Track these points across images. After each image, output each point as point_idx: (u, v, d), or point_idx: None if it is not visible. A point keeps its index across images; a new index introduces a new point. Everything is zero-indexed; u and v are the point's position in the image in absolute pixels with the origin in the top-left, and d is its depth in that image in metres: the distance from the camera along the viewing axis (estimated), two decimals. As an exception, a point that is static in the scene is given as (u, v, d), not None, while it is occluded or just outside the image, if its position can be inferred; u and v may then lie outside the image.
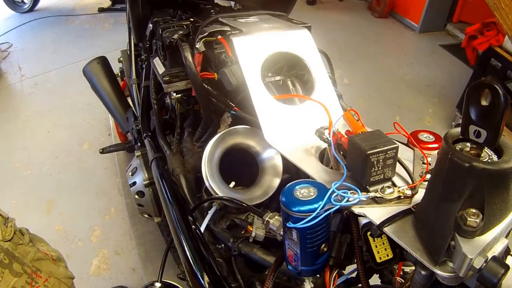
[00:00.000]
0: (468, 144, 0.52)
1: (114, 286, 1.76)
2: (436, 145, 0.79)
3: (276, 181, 0.96)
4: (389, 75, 3.53)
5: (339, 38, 4.14)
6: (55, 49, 3.97)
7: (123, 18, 4.42)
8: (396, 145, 0.65)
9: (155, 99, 1.42)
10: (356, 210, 0.64)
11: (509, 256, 0.56)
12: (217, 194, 0.92)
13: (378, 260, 0.64)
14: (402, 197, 0.66)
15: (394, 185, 0.68)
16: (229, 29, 1.06)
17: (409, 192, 0.66)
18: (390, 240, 0.61)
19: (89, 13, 4.79)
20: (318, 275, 0.75)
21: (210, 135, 1.09)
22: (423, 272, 0.57)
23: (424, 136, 0.81)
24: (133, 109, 1.86)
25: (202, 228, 0.96)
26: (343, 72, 3.40)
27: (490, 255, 0.50)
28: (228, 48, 1.00)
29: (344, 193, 0.63)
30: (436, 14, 4.22)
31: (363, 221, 0.67)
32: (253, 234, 0.93)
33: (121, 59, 2.27)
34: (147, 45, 1.45)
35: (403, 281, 0.77)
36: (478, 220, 0.49)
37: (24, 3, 4.89)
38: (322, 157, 0.88)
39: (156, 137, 1.37)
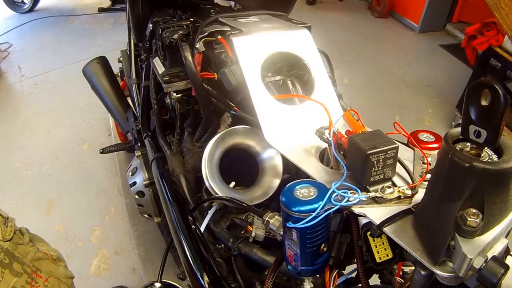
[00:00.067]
0: (468, 144, 0.52)
1: (114, 286, 1.76)
2: (436, 145, 0.79)
3: (276, 181, 0.96)
4: (389, 75, 3.53)
5: (339, 38, 4.14)
6: (55, 49, 3.97)
7: (123, 18, 4.43)
8: (396, 145, 0.66)
9: (155, 99, 1.42)
10: (356, 210, 0.64)
11: (509, 256, 0.56)
12: (217, 194, 0.92)
13: (378, 260, 0.64)
14: (402, 197, 0.66)
15: (394, 185, 0.68)
16: (229, 29, 1.06)
17: (409, 192, 0.66)
18: (390, 240, 0.61)
19: (89, 13, 4.79)
20: (318, 275, 0.75)
21: (210, 135, 1.09)
22: (422, 272, 0.57)
23: (424, 136, 0.81)
24: (133, 109, 1.86)
25: (202, 228, 0.96)
26: (343, 72, 3.40)
27: (490, 255, 0.50)
28: (228, 48, 1.00)
29: (344, 193, 0.63)
30: (436, 14, 4.22)
31: (363, 221, 0.67)
32: (253, 234, 0.93)
33: (121, 59, 2.27)
34: (147, 45, 1.45)
35: (402, 281, 0.77)
36: (478, 220, 0.49)
37: (24, 3, 4.89)
38: (322, 157, 0.88)
39: (156, 137, 1.37)
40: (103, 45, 3.91)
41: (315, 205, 0.60)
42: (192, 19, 1.28)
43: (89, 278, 1.83)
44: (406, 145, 0.82)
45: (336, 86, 1.14)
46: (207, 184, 0.93)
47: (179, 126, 1.29)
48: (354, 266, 0.72)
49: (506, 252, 0.56)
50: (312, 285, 0.76)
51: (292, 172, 0.99)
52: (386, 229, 0.59)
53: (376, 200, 0.65)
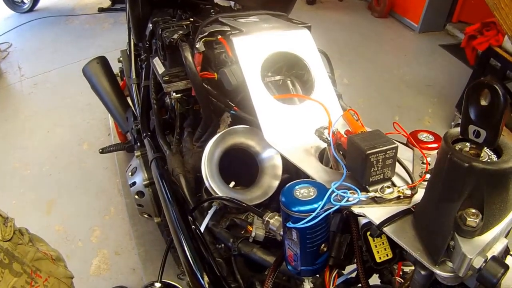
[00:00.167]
0: (468, 144, 0.52)
1: (114, 286, 1.76)
2: (435, 145, 0.79)
3: (276, 181, 0.96)
4: (388, 75, 3.53)
5: (339, 38, 4.14)
6: (54, 49, 3.97)
7: (122, 18, 4.43)
8: (396, 145, 0.66)
9: (154, 99, 1.42)
10: (356, 210, 0.64)
11: (508, 256, 0.56)
12: (217, 194, 0.92)
13: (378, 260, 0.64)
14: (401, 197, 0.66)
15: (393, 185, 0.68)
16: (229, 29, 1.06)
17: (408, 192, 0.66)
18: (390, 240, 0.61)
19: (89, 13, 4.79)
20: (317, 275, 0.75)
21: (210, 135, 1.09)
22: (422, 272, 0.57)
23: (423, 136, 0.81)
24: (133, 109, 1.86)
25: (202, 228, 0.96)
26: (343, 72, 3.40)
27: (489, 255, 0.50)
28: (228, 48, 1.00)
29: (344, 193, 0.63)
30: (436, 14, 4.22)
31: (362, 221, 0.67)
32: (253, 234, 0.93)
33: (121, 59, 2.27)
34: (147, 45, 1.45)
35: (402, 281, 0.77)
36: (477, 220, 0.49)
37: (24, 3, 4.88)
38: (322, 157, 0.88)
39: (156, 137, 1.37)
40: (103, 45, 3.91)
41: (315, 205, 0.60)
42: (192, 19, 1.28)
43: (89, 278, 1.83)
44: (406, 145, 0.82)
45: (336, 86, 1.14)
46: (206, 184, 0.93)
47: (178, 126, 1.29)
48: (354, 266, 0.72)
49: (505, 252, 0.56)
50: (312, 285, 0.76)
51: (291, 172, 0.99)
52: (385, 229, 0.59)
53: (375, 200, 0.65)
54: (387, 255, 0.64)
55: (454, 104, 2.88)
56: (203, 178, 0.94)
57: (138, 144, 1.58)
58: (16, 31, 4.39)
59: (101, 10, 4.81)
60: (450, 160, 0.48)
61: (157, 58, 1.29)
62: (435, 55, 3.87)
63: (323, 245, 0.66)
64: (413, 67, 3.67)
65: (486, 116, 0.46)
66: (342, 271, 0.76)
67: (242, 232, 1.00)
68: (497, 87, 0.43)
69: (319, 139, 0.85)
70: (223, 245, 0.97)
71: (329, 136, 0.80)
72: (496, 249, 0.52)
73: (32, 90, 3.33)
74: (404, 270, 0.85)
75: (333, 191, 0.63)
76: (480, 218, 0.49)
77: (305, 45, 1.06)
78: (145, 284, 1.15)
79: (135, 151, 1.55)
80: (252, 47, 0.99)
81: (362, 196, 0.64)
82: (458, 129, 0.51)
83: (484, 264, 0.49)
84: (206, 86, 1.05)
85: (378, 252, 0.64)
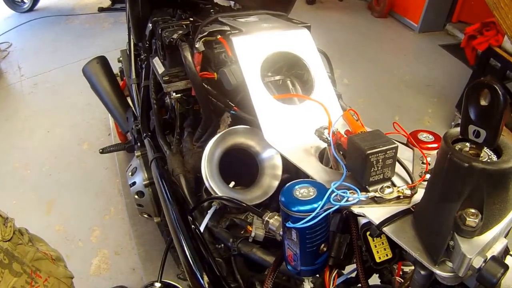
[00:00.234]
0: (468, 144, 0.52)
1: (114, 286, 1.76)
2: (435, 145, 0.79)
3: (276, 181, 0.96)
4: (388, 75, 3.53)
5: (339, 38, 4.14)
6: (54, 48, 3.97)
7: (122, 17, 4.42)
8: (396, 145, 0.66)
9: (154, 99, 1.42)
10: (356, 210, 0.64)
11: (508, 256, 0.56)
12: (217, 194, 0.92)
13: (378, 260, 0.64)
14: (401, 197, 0.66)
15: (393, 185, 0.68)
16: (229, 29, 1.06)
17: (408, 192, 0.66)
18: (390, 240, 0.61)
19: (89, 13, 4.79)
20: (317, 275, 0.75)
21: (210, 135, 1.09)
22: (422, 272, 0.57)
23: (423, 136, 0.81)
24: (133, 109, 1.86)
25: (202, 228, 0.96)
26: (343, 72, 3.40)
27: (489, 255, 0.50)
28: (228, 47, 1.00)
29: (344, 193, 0.63)
30: (436, 14, 4.22)
31: (362, 221, 0.67)
32: (252, 234, 0.93)
33: (121, 58, 2.27)
34: (147, 45, 1.45)
35: (402, 281, 0.77)
36: (477, 220, 0.49)
37: (24, 2, 4.89)
38: (322, 157, 0.88)
39: (156, 137, 1.37)
40: (103, 44, 3.91)
41: (315, 205, 0.60)
42: (191, 19, 1.28)
43: (89, 278, 1.83)
44: (406, 145, 0.82)
45: (336, 86, 1.14)
46: (206, 184, 0.93)
47: (178, 126, 1.29)
48: (354, 266, 0.72)
49: (505, 252, 0.56)
50: (311, 285, 0.76)
51: (291, 172, 0.99)
52: (385, 229, 0.59)
53: (375, 200, 0.65)
54: (386, 255, 0.64)
55: (454, 104, 2.88)
56: (203, 178, 0.94)
57: (138, 144, 1.58)
58: (16, 30, 4.39)
59: (101, 9, 4.81)
60: (450, 160, 0.48)
61: (157, 58, 1.29)
62: (435, 55, 3.87)
63: (322, 245, 0.66)
64: (413, 67, 3.67)
65: (486, 116, 0.46)
66: (342, 271, 0.76)
67: (242, 232, 1.00)
68: (497, 87, 0.43)
69: (319, 139, 0.85)
70: (222, 245, 0.98)
71: (329, 136, 0.80)
72: (496, 249, 0.52)
73: (32, 90, 3.33)
74: (404, 270, 0.85)
75: (333, 191, 0.63)
76: (479, 218, 0.49)
77: (305, 45, 1.06)
78: (145, 284, 1.15)
79: (135, 151, 1.55)
80: (252, 47, 0.99)
81: (362, 196, 0.64)
82: (458, 129, 0.51)
83: (483, 264, 0.49)
84: (206, 86, 1.05)
85: (377, 252, 0.64)
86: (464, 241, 0.50)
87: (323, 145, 0.88)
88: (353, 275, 0.78)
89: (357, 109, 0.88)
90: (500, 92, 0.43)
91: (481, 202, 0.49)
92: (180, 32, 1.15)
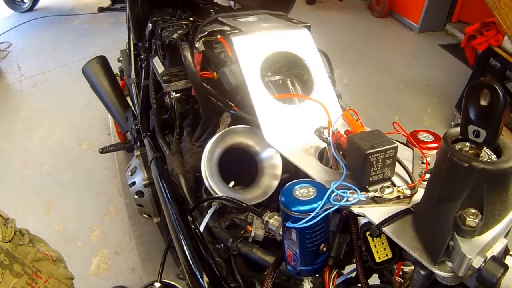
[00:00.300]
0: (467, 144, 0.52)
1: (114, 286, 1.76)
2: (435, 145, 0.79)
3: (275, 181, 0.96)
4: (388, 75, 3.53)
5: (339, 37, 4.14)
6: (54, 48, 3.97)
7: (122, 17, 4.42)
8: (396, 144, 0.65)
9: (154, 98, 1.42)
10: (356, 210, 0.64)
11: (508, 256, 0.56)
12: (217, 194, 0.92)
13: (378, 260, 0.64)
14: (401, 196, 0.66)
15: (393, 184, 0.68)
16: (229, 29, 1.06)
17: (408, 192, 0.66)
18: (389, 240, 0.61)
19: (88, 13, 4.78)
20: (317, 275, 0.75)
21: (210, 135, 1.09)
22: (422, 272, 0.57)
23: (423, 136, 0.81)
24: (133, 109, 1.86)
25: (202, 228, 0.96)
26: (343, 72, 3.40)
27: (489, 255, 0.50)
28: (228, 47, 1.00)
29: (344, 192, 0.63)
30: (436, 14, 4.22)
31: (362, 221, 0.67)
32: (252, 234, 0.93)
33: (121, 58, 2.26)
34: (147, 45, 1.45)
35: (402, 280, 0.77)
36: (477, 220, 0.49)
37: (24, 2, 4.88)
38: (322, 156, 0.88)
39: (156, 136, 1.37)
40: (103, 44, 3.91)
41: (314, 205, 0.60)
42: (191, 19, 1.28)
43: (88, 278, 1.83)
44: (406, 145, 0.82)
45: (336, 86, 1.14)
46: (206, 183, 0.93)
47: (178, 126, 1.29)
48: (354, 266, 0.72)
49: (505, 252, 0.56)
50: (311, 285, 0.76)
51: (291, 172, 0.99)
52: (385, 229, 0.59)
53: (375, 200, 0.65)
54: (386, 255, 0.64)
55: (454, 104, 2.88)
56: (202, 178, 0.94)
57: (138, 144, 1.58)
58: (16, 30, 4.39)
59: (101, 9, 4.80)
60: (450, 160, 0.48)
61: (156, 57, 1.29)
62: (435, 55, 3.87)
63: (322, 245, 0.66)
64: (413, 67, 3.67)
65: (486, 116, 0.46)
66: (342, 271, 0.76)
67: (242, 232, 1.00)
68: (496, 87, 0.43)
69: (319, 139, 0.85)
70: (222, 245, 0.97)
71: (328, 136, 0.80)
72: (496, 249, 0.52)
73: (31, 89, 3.33)
74: (404, 270, 0.85)
75: (332, 191, 0.62)
76: (479, 218, 0.49)
77: (305, 45, 1.06)
78: (144, 284, 1.16)
79: (134, 151, 1.55)
80: (252, 47, 0.99)
81: (362, 196, 0.64)
82: (458, 129, 0.51)
83: (483, 264, 0.49)
84: (205, 85, 1.05)
85: (377, 252, 0.64)
86: (464, 241, 0.50)
87: (323, 145, 0.88)
88: (353, 275, 0.78)
89: (356, 109, 0.88)
90: (500, 92, 0.43)
91: (481, 202, 0.49)
92: (180, 32, 1.15)
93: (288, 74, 1.07)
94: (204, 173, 0.93)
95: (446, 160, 0.49)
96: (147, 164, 1.40)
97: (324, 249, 0.67)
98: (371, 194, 0.65)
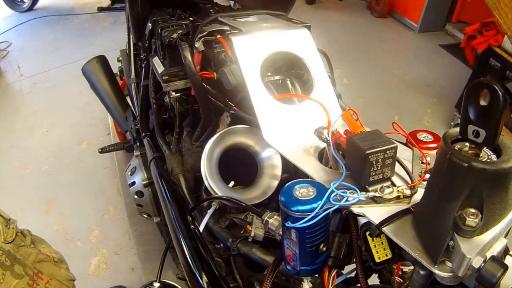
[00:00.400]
0: (467, 144, 0.52)
1: (113, 286, 1.76)
2: (435, 145, 0.79)
3: (275, 181, 0.96)
4: (388, 75, 3.53)
5: (339, 37, 4.14)
6: (54, 48, 3.97)
7: (122, 17, 4.41)
8: (395, 144, 0.65)
9: (154, 98, 1.42)
10: (355, 209, 0.64)
11: (508, 256, 0.56)
12: (216, 194, 0.92)
13: (377, 260, 0.64)
14: (401, 196, 0.66)
15: (393, 184, 0.68)
16: (229, 29, 1.06)
17: (408, 192, 0.66)
18: (389, 240, 0.61)
19: (88, 12, 4.78)
20: (317, 275, 0.75)
21: (209, 135, 1.09)
22: (421, 272, 0.57)
23: (423, 136, 0.81)
24: (132, 109, 1.86)
25: (201, 228, 0.96)
26: (343, 72, 3.40)
27: (489, 255, 0.50)
28: (228, 47, 1.00)
29: (343, 192, 0.63)
30: (435, 14, 4.22)
31: (362, 220, 0.67)
32: (252, 234, 0.93)
33: (120, 58, 2.26)
34: (146, 45, 1.45)
35: (401, 280, 0.77)
36: (477, 220, 0.49)
37: (23, 2, 4.88)
38: (321, 156, 0.88)
39: (155, 136, 1.36)
40: (103, 44, 3.91)
41: (314, 205, 0.60)
42: (191, 19, 1.28)
43: (88, 277, 1.83)
44: (405, 145, 0.82)
45: (336, 86, 1.14)
46: (206, 183, 0.93)
47: (178, 126, 1.29)
48: (353, 266, 0.72)
49: (505, 252, 0.56)
50: (311, 285, 0.76)
51: (291, 172, 0.99)
52: (385, 229, 0.59)
53: (375, 200, 0.65)
54: (386, 255, 0.64)
55: (454, 104, 2.88)
56: (202, 178, 0.94)
57: (138, 143, 1.58)
58: (16, 30, 4.39)
59: (101, 9, 4.77)
60: (450, 160, 0.48)
61: (156, 57, 1.29)
62: (435, 55, 3.87)
63: (322, 245, 0.66)
64: (413, 67, 3.67)
65: (486, 116, 0.46)
66: (341, 271, 0.76)
67: (241, 232, 1.00)
68: (496, 87, 0.43)
69: (319, 139, 0.85)
70: (222, 245, 0.97)
71: (328, 136, 0.80)
72: (496, 249, 0.52)
73: (31, 89, 3.32)
74: (403, 270, 0.85)
75: (332, 191, 0.62)
76: (479, 218, 0.49)
77: (305, 45, 1.06)
78: (144, 284, 1.15)
79: (134, 151, 1.55)
80: (252, 47, 0.99)
81: (362, 196, 0.64)
82: (458, 129, 0.51)
83: (483, 264, 0.49)
84: (205, 85, 1.05)
85: (377, 252, 0.64)
86: (464, 241, 0.50)
87: (323, 145, 0.88)
88: (353, 275, 0.78)
89: (356, 109, 0.88)
90: (499, 92, 0.43)
91: (481, 202, 0.49)
92: (180, 31, 1.15)
93: (288, 74, 1.07)
94: (203, 173, 0.93)
95: (445, 160, 0.49)
96: (146, 164, 1.40)
97: (324, 249, 0.67)
98: (371, 194, 0.65)
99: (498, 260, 0.49)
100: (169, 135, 1.40)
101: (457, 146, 0.52)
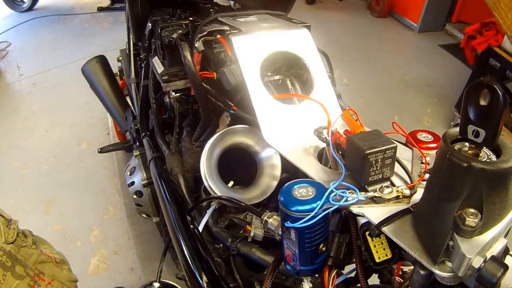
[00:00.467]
0: (467, 144, 0.52)
1: (112, 287, 1.75)
2: (434, 145, 0.79)
3: (275, 181, 0.96)
4: (388, 75, 3.53)
5: (339, 37, 4.14)
6: (54, 48, 3.97)
7: (122, 17, 4.41)
8: (395, 144, 0.65)
9: (154, 98, 1.42)
10: (355, 209, 0.64)
11: (508, 256, 0.56)
12: (216, 194, 0.92)
13: (377, 260, 0.64)
14: (400, 196, 0.66)
15: (392, 184, 0.68)
16: (228, 29, 1.06)
17: (407, 192, 0.66)
18: (389, 240, 0.61)
19: (88, 12, 4.78)
20: (316, 275, 0.75)
21: (209, 135, 1.09)
22: (421, 272, 0.57)
23: (422, 136, 0.81)
24: (132, 109, 1.86)
25: (201, 228, 0.96)
26: (343, 72, 3.40)
27: (489, 255, 0.50)
28: (227, 47, 1.00)
29: (343, 192, 0.63)
30: (435, 14, 4.22)
31: (361, 220, 0.67)
32: (251, 234, 0.93)
33: (120, 58, 2.26)
34: (146, 44, 1.45)
35: (402, 280, 0.77)
36: (476, 220, 0.49)
37: (23, 2, 4.88)
38: (321, 156, 0.88)
39: (155, 136, 1.36)
40: (102, 44, 3.91)
41: (314, 205, 0.60)
42: (191, 18, 1.28)
43: (87, 277, 1.83)
44: (405, 145, 0.82)
45: (335, 86, 1.14)
46: (205, 183, 0.93)
47: (177, 126, 1.29)
48: (353, 266, 0.72)
49: (505, 251, 0.56)
50: (311, 285, 0.76)
51: (290, 172, 0.99)
52: (384, 229, 0.59)
53: (374, 200, 0.65)
54: (386, 255, 0.64)
55: (454, 104, 2.88)
56: (202, 178, 0.94)
57: (137, 143, 1.58)
58: (15, 30, 4.39)
59: (101, 9, 4.76)
60: (449, 160, 0.48)
61: (156, 57, 1.29)
62: (435, 55, 3.87)
63: (321, 244, 0.66)
64: (413, 67, 3.67)
65: (485, 116, 0.46)
66: (341, 271, 0.76)
67: (241, 232, 1.00)
68: (496, 87, 0.43)
69: (318, 139, 0.85)
70: (221, 244, 0.97)
71: (328, 136, 0.80)
72: (496, 249, 0.52)
73: (31, 89, 3.32)
74: (403, 270, 0.85)
75: (332, 191, 0.62)
76: (479, 218, 0.49)
77: (305, 45, 1.06)
78: (143, 284, 1.15)
79: (134, 151, 1.55)
80: (252, 47, 0.99)
81: (361, 195, 0.64)
82: (457, 129, 0.51)
83: (483, 264, 0.49)
84: (205, 85, 1.05)
85: (377, 252, 0.64)
86: (464, 241, 0.50)
87: (322, 145, 0.88)
88: (352, 275, 0.78)
89: (356, 109, 0.88)
90: (499, 92, 0.43)
91: (481, 202, 0.49)
92: (180, 31, 1.15)
93: (288, 74, 1.07)
94: (203, 173, 0.93)
95: (445, 160, 0.49)
96: (146, 164, 1.40)
97: (324, 249, 0.67)
98: (371, 194, 0.65)
99: (498, 260, 0.49)
100: (169, 135, 1.40)
101: (457, 146, 0.52)
